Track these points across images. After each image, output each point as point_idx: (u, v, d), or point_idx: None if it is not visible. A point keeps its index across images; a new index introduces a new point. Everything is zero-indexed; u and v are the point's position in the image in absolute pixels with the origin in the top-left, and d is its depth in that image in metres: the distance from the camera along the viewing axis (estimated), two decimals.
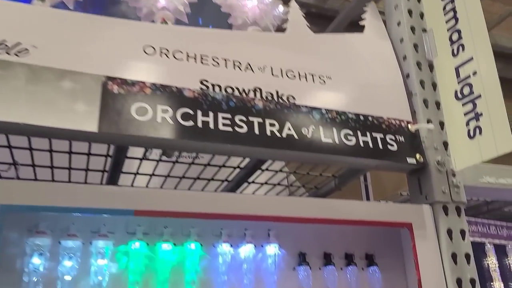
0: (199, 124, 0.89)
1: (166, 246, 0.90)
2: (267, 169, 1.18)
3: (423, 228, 1.02)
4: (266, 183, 1.23)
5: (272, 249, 0.98)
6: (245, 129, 0.92)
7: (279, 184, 1.22)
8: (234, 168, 1.16)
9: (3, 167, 0.94)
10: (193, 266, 0.92)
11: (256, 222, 0.99)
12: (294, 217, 0.95)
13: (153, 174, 1.06)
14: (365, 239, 1.08)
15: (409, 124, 1.10)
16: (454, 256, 1.02)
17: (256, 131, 0.93)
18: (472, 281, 1.00)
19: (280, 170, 1.21)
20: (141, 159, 1.09)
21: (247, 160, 1.12)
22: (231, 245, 0.96)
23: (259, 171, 1.19)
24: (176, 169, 1.18)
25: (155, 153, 1.11)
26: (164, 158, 1.08)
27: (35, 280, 0.79)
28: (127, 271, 0.87)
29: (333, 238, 1.05)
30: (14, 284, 0.78)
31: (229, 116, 0.92)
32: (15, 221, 0.80)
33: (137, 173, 1.07)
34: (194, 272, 0.91)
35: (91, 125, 0.81)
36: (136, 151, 1.08)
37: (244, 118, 0.93)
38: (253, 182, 1.20)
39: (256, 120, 0.94)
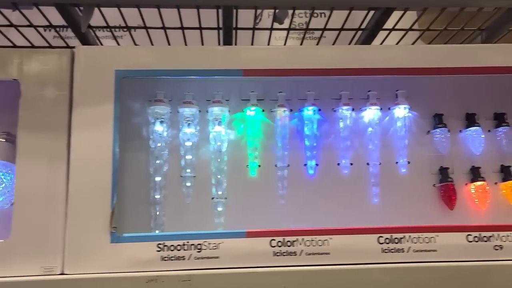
0: None
1: (281, 112, 0.86)
2: (394, 29, 1.02)
3: None
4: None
5: (401, 111, 0.87)
6: None
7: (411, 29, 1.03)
8: (356, 30, 1.03)
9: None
10: (311, 131, 0.86)
11: (380, 83, 0.87)
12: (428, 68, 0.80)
13: (272, 29, 0.98)
14: None
15: None
16: None
17: None
18: None
19: (410, 29, 1.04)
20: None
21: (368, 18, 0.98)
22: (353, 109, 0.87)
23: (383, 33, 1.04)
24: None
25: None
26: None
27: (160, 145, 0.82)
28: (245, 137, 0.86)
29: (478, 95, 0.88)
30: (143, 150, 0.82)
31: None
32: (135, 92, 0.83)
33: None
34: (314, 137, 0.86)
35: None
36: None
37: None
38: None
39: None
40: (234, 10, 0.96)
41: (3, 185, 0.77)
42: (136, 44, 1.03)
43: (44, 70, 0.74)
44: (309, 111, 0.86)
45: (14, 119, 0.78)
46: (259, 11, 0.95)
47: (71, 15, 0.90)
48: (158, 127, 0.83)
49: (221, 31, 1.02)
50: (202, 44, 1.09)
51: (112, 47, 0.84)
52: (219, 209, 0.83)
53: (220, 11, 0.94)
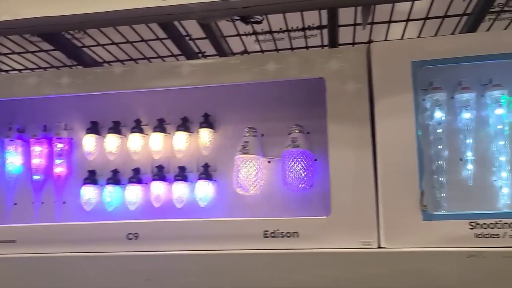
0: None
1: None
2: None
3: None
4: None
5: None
6: None
7: None
8: None
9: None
10: None
11: None
12: None
13: None
14: None
15: None
16: None
17: None
18: None
19: None
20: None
21: None
22: None
23: None
24: None
25: None
26: None
27: (440, 131, 0.86)
28: None
29: None
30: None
31: None
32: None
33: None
34: None
35: None
36: None
37: None
38: None
39: None
40: None
41: (304, 174, 0.88)
42: None
43: (344, 66, 0.83)
44: None
45: (305, 113, 0.89)
46: None
47: (335, 17, 0.99)
48: (437, 113, 0.86)
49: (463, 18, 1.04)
50: (436, 35, 1.11)
51: (407, 40, 0.90)
52: (503, 190, 0.84)
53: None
